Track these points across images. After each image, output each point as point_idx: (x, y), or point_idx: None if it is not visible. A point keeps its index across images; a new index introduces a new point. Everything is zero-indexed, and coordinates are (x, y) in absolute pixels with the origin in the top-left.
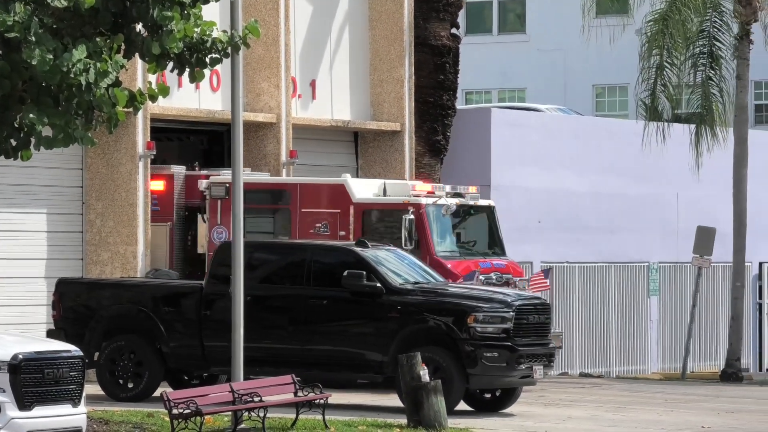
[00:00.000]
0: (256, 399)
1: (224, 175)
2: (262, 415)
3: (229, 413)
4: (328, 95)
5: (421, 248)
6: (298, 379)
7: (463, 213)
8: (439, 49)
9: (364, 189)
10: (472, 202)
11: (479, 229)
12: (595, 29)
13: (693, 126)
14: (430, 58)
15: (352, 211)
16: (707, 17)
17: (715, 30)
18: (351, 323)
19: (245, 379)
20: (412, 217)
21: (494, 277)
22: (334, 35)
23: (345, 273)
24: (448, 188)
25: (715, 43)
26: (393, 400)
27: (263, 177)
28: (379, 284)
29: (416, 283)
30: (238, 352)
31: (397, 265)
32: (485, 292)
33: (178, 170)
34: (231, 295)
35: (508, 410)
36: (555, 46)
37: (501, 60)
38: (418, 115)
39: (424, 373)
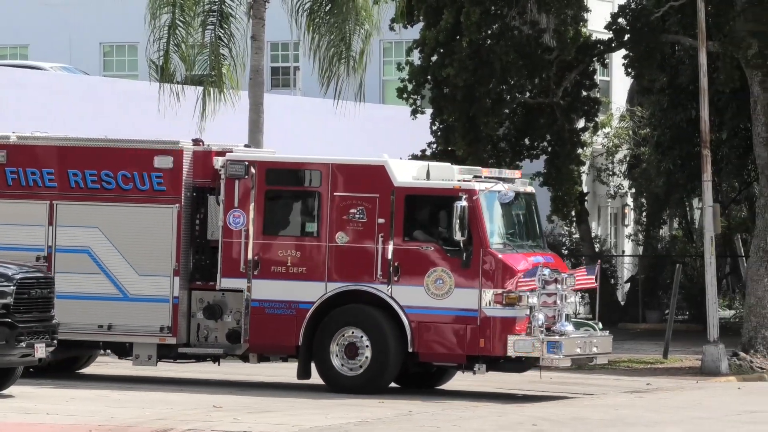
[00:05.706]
0: None
1: (241, 151)
2: None
3: None
4: None
5: (473, 239)
6: None
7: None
8: None
9: (404, 171)
10: (522, 189)
11: (518, 218)
12: None
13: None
14: None
15: (393, 196)
16: None
17: None
18: None
19: None
20: (465, 204)
21: (547, 274)
22: None
23: None
24: (496, 172)
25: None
26: None
27: (284, 155)
28: None
29: None
30: None
31: None
32: None
33: (187, 145)
34: None
35: (7, 391)
36: (60, 1)
37: (2, 13)
38: None
39: None
